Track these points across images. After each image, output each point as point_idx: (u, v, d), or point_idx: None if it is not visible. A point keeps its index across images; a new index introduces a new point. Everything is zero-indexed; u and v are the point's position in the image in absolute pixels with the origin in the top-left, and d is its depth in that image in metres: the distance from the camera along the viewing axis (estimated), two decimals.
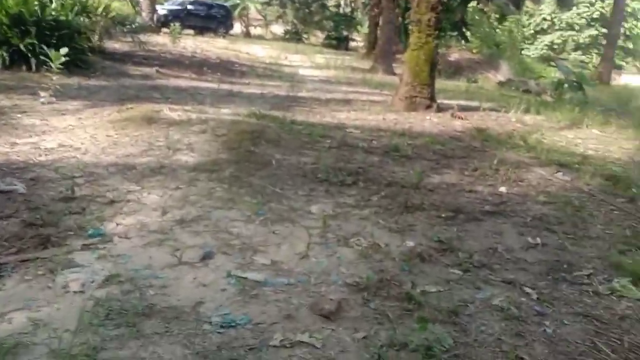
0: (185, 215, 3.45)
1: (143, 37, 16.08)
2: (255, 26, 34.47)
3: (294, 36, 31.42)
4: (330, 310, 2.43)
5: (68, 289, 2.51)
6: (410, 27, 21.30)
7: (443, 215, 3.94)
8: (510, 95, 14.29)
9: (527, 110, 9.67)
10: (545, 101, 12.77)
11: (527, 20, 43.16)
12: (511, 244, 3.60)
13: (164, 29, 21.08)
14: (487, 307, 2.69)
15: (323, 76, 14.28)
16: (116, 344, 2.11)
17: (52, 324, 2.20)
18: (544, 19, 48.35)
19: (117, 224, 3.25)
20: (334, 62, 17.59)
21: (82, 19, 9.22)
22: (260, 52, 20.08)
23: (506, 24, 25.62)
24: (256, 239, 3.21)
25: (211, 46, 19.06)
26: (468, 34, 23.08)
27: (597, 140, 7.82)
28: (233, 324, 2.31)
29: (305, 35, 32.59)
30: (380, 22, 19.89)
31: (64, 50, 5.60)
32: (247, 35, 31.79)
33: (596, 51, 46.24)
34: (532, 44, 47.00)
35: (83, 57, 9.09)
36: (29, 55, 7.58)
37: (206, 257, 2.90)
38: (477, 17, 23.80)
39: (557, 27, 48.51)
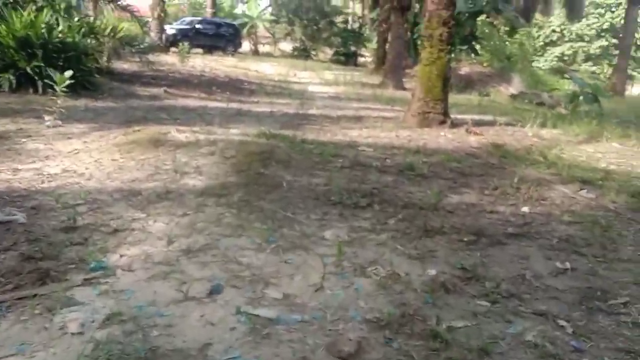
0: (192, 245, 3.26)
1: (152, 57, 16.10)
2: (263, 44, 34.63)
3: (302, 53, 31.49)
4: (349, 352, 2.22)
5: (66, 330, 2.32)
6: (419, 42, 21.22)
7: (465, 239, 3.72)
8: (523, 108, 14.08)
9: (543, 124, 9.44)
10: (560, 114, 12.54)
11: (537, 32, 42.98)
12: (539, 270, 3.37)
13: (173, 49, 21.18)
14: (519, 344, 2.47)
15: (332, 92, 14.16)
16: None
17: None
18: (554, 31, 48.22)
19: (121, 255, 3.07)
20: (343, 78, 17.50)
21: (89, 40, 9.17)
22: (268, 69, 20.06)
23: (516, 36, 25.44)
24: (267, 269, 3.01)
25: (220, 65, 19.09)
26: (478, 47, 22.93)
27: (618, 154, 7.56)
28: None
29: (313, 52, 32.64)
30: (389, 38, 19.80)
31: (68, 73, 5.50)
32: (255, 53, 31.93)
33: (607, 62, 45.95)
34: (542, 55, 46.81)
35: (90, 78, 9.03)
36: (36, 78, 7.52)
37: (214, 291, 2.71)
38: (486, 31, 23.63)
39: (567, 39, 48.33)
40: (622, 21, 34.92)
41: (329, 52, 33.58)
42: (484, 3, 20.70)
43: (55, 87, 5.39)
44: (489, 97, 17.30)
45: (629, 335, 2.64)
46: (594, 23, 47.05)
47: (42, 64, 7.82)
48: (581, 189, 5.34)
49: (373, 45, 28.71)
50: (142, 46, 12.35)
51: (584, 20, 42.10)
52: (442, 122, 8.46)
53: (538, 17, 34.39)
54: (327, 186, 4.67)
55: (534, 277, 3.25)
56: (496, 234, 3.93)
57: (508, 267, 3.35)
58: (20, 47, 7.95)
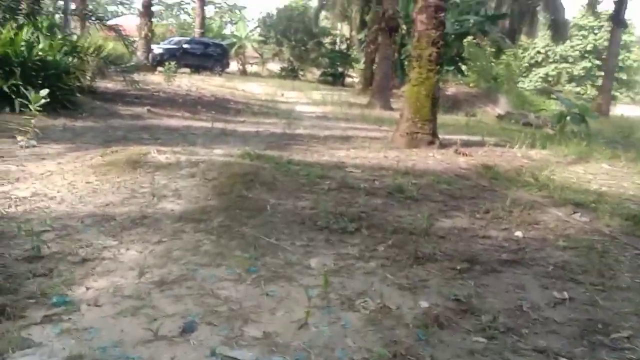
0: (166, 276, 3.02)
1: (137, 77, 15.90)
2: (251, 64, 34.67)
3: (290, 73, 31.56)
4: None
5: None
6: (407, 62, 21.26)
7: (458, 266, 3.52)
8: (511, 129, 14.06)
9: (532, 145, 9.35)
10: (548, 134, 12.50)
11: (522, 53, 43.63)
12: (536, 300, 3.17)
13: (160, 68, 21.01)
14: None
15: (320, 112, 14.04)
16: None
17: None
18: (538, 52, 49.00)
19: (87, 288, 2.81)
20: (330, 98, 17.42)
21: (70, 59, 8.94)
22: (256, 89, 19.96)
23: (503, 57, 25.69)
24: (247, 303, 2.78)
25: (206, 84, 18.94)
26: (464, 68, 23.09)
27: (608, 176, 7.46)
28: None
29: (301, 72, 32.75)
30: (377, 58, 19.84)
31: (44, 92, 5.27)
32: (243, 73, 31.95)
33: (590, 83, 46.69)
34: (526, 76, 47.45)
35: (71, 97, 8.79)
36: (13, 97, 7.27)
37: (187, 329, 2.47)
38: (473, 52, 23.82)
39: (551, 60, 49.10)
40: (606, 43, 35.51)
41: (316, 72, 33.71)
42: (471, 25, 20.91)
43: (30, 106, 5.15)
44: (476, 118, 17.28)
45: None
46: (577, 45, 47.95)
47: (19, 83, 7.57)
48: (574, 212, 5.18)
49: (360, 65, 28.85)
50: (126, 65, 12.12)
51: (567, 42, 42.83)
52: (431, 143, 8.33)
53: (523, 39, 34.89)
54: (313, 210, 4.46)
55: (532, 308, 3.05)
56: (490, 261, 3.73)
57: (504, 298, 3.15)
58: None
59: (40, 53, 8.27)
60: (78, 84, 9.58)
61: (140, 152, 5.74)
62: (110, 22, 17.10)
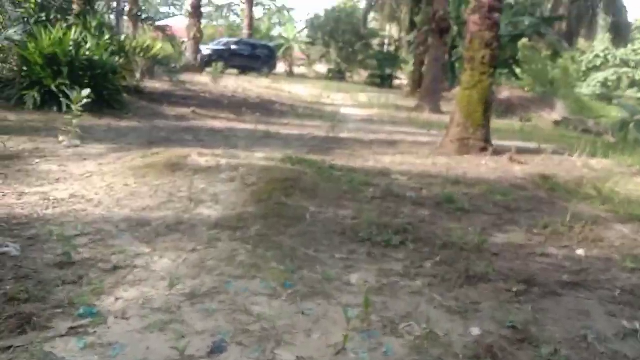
0: (198, 288, 2.85)
1: (185, 77, 16.10)
2: (299, 65, 34.69)
3: (337, 75, 31.35)
4: None
5: None
6: (457, 65, 20.73)
7: (514, 288, 3.20)
8: (569, 135, 13.38)
9: (592, 153, 8.77)
10: (609, 143, 11.79)
11: (579, 57, 41.91)
12: (603, 330, 2.82)
13: (208, 69, 21.22)
14: None
15: (366, 115, 13.75)
16: None
17: None
18: (597, 56, 46.96)
19: (116, 299, 2.68)
20: (377, 101, 17.10)
21: (117, 58, 9.04)
22: (302, 91, 19.86)
23: (560, 61, 24.65)
24: (281, 322, 2.57)
25: (253, 85, 18.99)
26: (519, 71, 22.28)
27: None
28: None
29: (348, 74, 32.49)
30: (427, 60, 19.38)
31: (85, 92, 5.27)
32: (290, 74, 31.95)
33: None
34: (584, 81, 45.53)
35: (117, 97, 8.88)
36: (60, 96, 7.36)
37: (216, 350, 2.28)
38: (528, 54, 22.95)
39: (610, 64, 46.97)
40: None
41: (364, 74, 33.39)
42: (526, 26, 20.12)
43: (72, 105, 5.15)
44: (531, 123, 16.60)
45: None
46: (639, 48, 45.63)
47: (67, 82, 7.68)
48: None
49: (409, 67, 28.37)
50: (174, 66, 12.22)
51: (629, 45, 40.78)
52: (483, 150, 7.92)
53: (581, 41, 33.42)
54: (355, 220, 4.22)
55: (598, 339, 2.71)
56: (549, 282, 3.39)
57: (566, 326, 2.82)
58: (47, 65, 7.86)
59: (87, 53, 8.38)
60: (125, 83, 9.69)
61: (181, 154, 5.66)
62: (161, 23, 17.44)
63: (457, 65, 22.66)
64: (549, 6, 26.78)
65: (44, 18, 8.81)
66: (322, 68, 34.17)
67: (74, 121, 5.18)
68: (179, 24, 26.31)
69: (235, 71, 25.34)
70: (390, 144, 8.69)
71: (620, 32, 29.03)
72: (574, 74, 28.14)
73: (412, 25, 25.61)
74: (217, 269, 3.11)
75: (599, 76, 46.34)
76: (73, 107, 5.15)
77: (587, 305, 3.14)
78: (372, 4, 29.80)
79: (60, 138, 5.20)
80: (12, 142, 5.90)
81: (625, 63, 46.17)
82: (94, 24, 9.41)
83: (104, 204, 4.08)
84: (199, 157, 5.64)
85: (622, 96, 38.66)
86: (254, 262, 3.24)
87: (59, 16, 8.86)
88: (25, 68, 8.04)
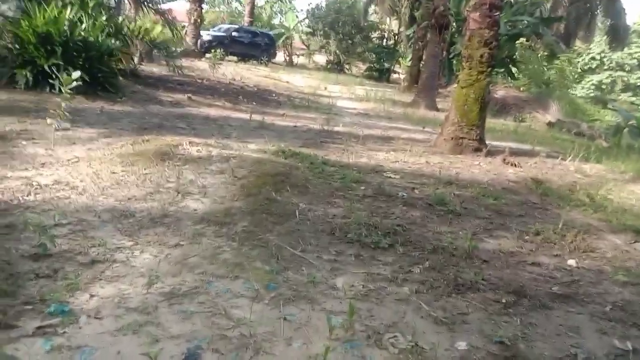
0: (177, 287, 2.76)
1: (184, 62, 15.88)
2: (298, 55, 34.43)
3: (335, 66, 31.14)
4: None
5: None
6: (455, 61, 20.61)
7: (503, 299, 3.13)
8: (562, 138, 13.34)
9: (586, 158, 8.72)
10: (602, 147, 11.75)
11: (575, 59, 41.82)
12: (593, 349, 2.75)
13: (208, 55, 20.98)
14: None
15: (362, 109, 13.63)
16: None
17: None
18: (593, 58, 46.95)
19: (91, 296, 2.58)
20: (374, 94, 16.96)
21: (113, 40, 8.84)
22: (300, 81, 19.70)
23: (556, 62, 24.57)
24: (261, 328, 2.48)
25: (251, 74, 18.80)
26: (515, 70, 22.20)
27: None
28: None
29: (347, 66, 32.28)
30: (424, 56, 19.26)
31: (76, 74, 5.11)
32: (289, 64, 31.71)
33: None
34: (578, 83, 45.49)
35: (113, 80, 8.68)
36: (53, 76, 7.19)
37: (190, 357, 2.19)
38: (525, 54, 22.87)
39: (606, 67, 46.96)
40: None
41: (362, 66, 33.21)
42: (524, 26, 20.02)
43: (62, 87, 5.01)
44: (525, 124, 16.56)
45: None
46: (635, 52, 45.64)
47: (60, 62, 7.49)
48: (635, 241, 4.67)
49: (407, 62, 28.21)
50: (171, 50, 12.02)
51: (625, 49, 40.72)
52: (477, 150, 7.85)
53: (577, 43, 33.33)
54: (345, 219, 4.13)
55: (588, 359, 2.65)
56: (539, 294, 3.32)
57: (555, 344, 2.75)
58: (40, 44, 7.66)
59: (82, 33, 8.17)
60: (121, 66, 9.48)
61: (172, 143, 5.54)
62: (164, 7, 17.15)
63: (454, 62, 22.58)
64: (548, 5, 26.64)
65: None
66: (321, 59, 33.91)
67: (63, 104, 5.03)
68: (180, 7, 25.96)
69: (234, 58, 25.10)
70: (384, 139, 8.60)
71: (618, 35, 28.92)
72: (570, 76, 28.06)
73: (412, 20, 25.45)
74: (199, 266, 3.01)
75: (594, 78, 46.33)
76: (63, 89, 5.00)
77: (578, 320, 3.07)
78: None
79: (49, 121, 5.05)
80: (0, 122, 5.76)
81: (620, 66, 46.17)
82: (91, 4, 9.20)
83: (89, 192, 3.96)
84: (190, 146, 5.52)
85: (616, 100, 38.67)
86: (239, 260, 3.15)
87: None
88: (17, 46, 7.83)
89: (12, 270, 2.69)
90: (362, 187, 5.13)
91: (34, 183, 4.00)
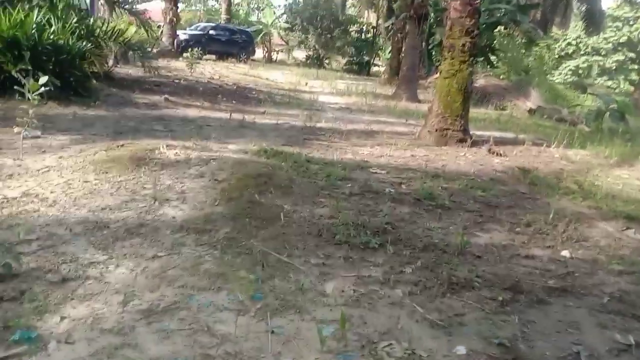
0: (156, 302, 2.58)
1: (161, 63, 15.54)
2: (277, 51, 34.12)
3: (315, 61, 30.89)
4: None
5: None
6: (434, 52, 20.53)
7: (499, 297, 3.00)
8: (544, 125, 13.31)
9: (569, 144, 8.68)
10: (585, 133, 11.74)
11: (552, 45, 42.09)
12: (594, 345, 2.64)
13: (185, 54, 20.65)
14: None
15: (344, 103, 13.47)
16: None
17: None
18: (569, 44, 47.38)
19: (62, 318, 2.39)
20: (355, 88, 16.81)
21: (84, 43, 8.54)
22: (280, 77, 19.46)
23: (536, 49, 24.65)
24: (247, 344, 2.32)
25: (230, 72, 18.52)
26: (494, 59, 22.20)
27: None
28: None
29: (326, 61, 32.05)
30: (404, 47, 19.15)
31: (43, 80, 4.86)
32: (269, 60, 31.42)
33: (623, 76, 44.96)
34: (556, 69, 45.84)
35: (86, 84, 8.41)
36: (22, 83, 6.90)
37: None
38: (504, 42, 22.89)
39: (582, 52, 47.41)
40: None
41: (342, 61, 33.01)
42: (501, 14, 20.01)
43: (28, 94, 4.76)
44: (506, 112, 16.51)
45: None
46: (611, 37, 46.15)
47: (29, 67, 7.21)
48: (627, 228, 4.59)
49: (387, 55, 28.09)
50: (145, 51, 11.71)
51: (601, 33, 41.11)
52: (462, 140, 7.74)
53: (554, 29, 33.53)
54: (332, 219, 3.98)
55: (591, 356, 2.53)
56: (535, 288, 3.21)
57: (556, 342, 2.63)
58: (7, 49, 7.35)
59: (52, 36, 7.87)
60: (94, 69, 9.17)
61: (148, 147, 5.32)
62: (139, 7, 16.78)
63: (433, 52, 22.52)
64: None
65: None
66: (300, 54, 33.63)
67: (31, 111, 4.78)
68: (156, 7, 25.51)
69: (213, 57, 24.77)
70: (368, 134, 8.45)
71: (594, 20, 29.11)
72: (549, 63, 28.21)
73: (390, 12, 25.27)
74: (179, 279, 2.83)
75: (571, 64, 46.75)
76: (29, 95, 4.75)
77: (576, 315, 2.96)
78: None
79: (16, 129, 4.81)
80: None
81: (596, 51, 46.63)
82: (60, 5, 8.87)
83: (59, 204, 3.75)
84: (167, 149, 5.31)
85: (593, 84, 39.04)
86: (221, 270, 2.97)
87: None
88: None
89: None
90: (348, 185, 4.98)
91: (0, 197, 3.78)
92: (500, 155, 7.24)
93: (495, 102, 18.97)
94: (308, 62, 31.10)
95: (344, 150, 6.75)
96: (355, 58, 31.48)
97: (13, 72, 6.97)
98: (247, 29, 30.40)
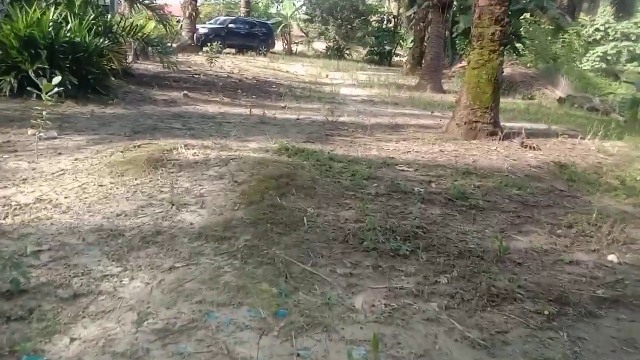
0: (172, 321, 2.38)
1: (181, 58, 15.43)
2: (297, 43, 33.85)
3: (335, 52, 30.53)
4: None
5: None
6: (458, 40, 20.03)
7: (545, 311, 2.74)
8: (576, 114, 12.84)
9: (605, 135, 8.27)
10: (620, 122, 11.25)
11: (581, 31, 40.88)
12: None
13: (205, 49, 20.56)
14: None
15: (366, 95, 13.17)
16: None
17: None
18: (597, 30, 46.03)
19: (72, 339, 2.21)
20: (377, 80, 16.46)
21: (101, 39, 8.41)
22: (300, 70, 19.22)
23: (565, 35, 23.88)
24: None
25: (250, 65, 18.35)
26: (520, 46, 21.57)
27: None
28: None
29: (347, 52, 31.67)
30: (427, 36, 18.71)
31: (56, 80, 4.70)
32: (289, 52, 31.18)
33: None
34: (584, 55, 44.57)
35: (104, 81, 8.29)
36: (39, 82, 6.80)
37: None
38: (530, 29, 22.23)
39: (611, 38, 46.03)
40: None
41: (362, 51, 32.60)
42: (528, 0, 19.40)
43: (42, 95, 4.62)
44: (535, 101, 16.00)
45: None
46: None
47: (46, 66, 7.10)
48: None
49: (408, 44, 27.57)
50: (164, 46, 11.57)
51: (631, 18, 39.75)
52: (492, 134, 7.41)
53: (582, 15, 32.54)
54: (358, 223, 3.74)
55: None
56: (583, 299, 2.93)
57: None
58: (24, 48, 7.25)
59: (68, 34, 7.75)
60: (113, 66, 9.05)
61: (166, 147, 5.14)
62: (159, 2, 16.62)
63: (457, 41, 21.99)
64: None
65: None
66: (320, 46, 33.29)
67: (44, 112, 4.63)
68: (175, 1, 25.46)
69: (232, 50, 24.65)
70: (393, 128, 8.17)
71: (625, 5, 28.16)
72: (578, 49, 27.34)
73: (412, 1, 24.79)
74: (197, 293, 2.64)
75: (599, 50, 45.42)
76: (43, 96, 4.61)
77: (631, 330, 2.69)
78: None
79: (30, 131, 4.67)
80: None
81: (625, 36, 45.18)
82: (77, 2, 8.76)
83: (73, 210, 3.58)
84: (185, 149, 5.13)
85: (623, 71, 37.81)
86: (242, 282, 2.77)
87: None
88: (0, 52, 7.44)
89: None
90: (374, 184, 4.73)
91: (14, 203, 3.63)
92: (534, 148, 6.90)
93: (523, 91, 18.43)
94: (328, 53, 30.79)
95: (368, 146, 6.50)
96: (376, 48, 31.09)
97: (30, 72, 6.85)
98: (266, 22, 30.21)
